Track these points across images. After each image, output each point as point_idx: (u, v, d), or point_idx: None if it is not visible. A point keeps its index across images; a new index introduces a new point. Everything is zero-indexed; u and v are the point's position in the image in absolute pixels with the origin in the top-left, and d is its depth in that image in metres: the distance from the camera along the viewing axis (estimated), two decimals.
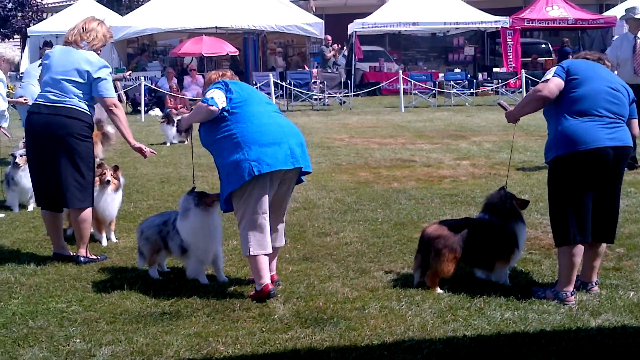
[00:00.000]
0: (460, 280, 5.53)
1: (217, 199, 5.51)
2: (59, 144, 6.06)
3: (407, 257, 6.24)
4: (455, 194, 8.79)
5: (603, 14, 29.12)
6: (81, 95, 6.11)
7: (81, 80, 6.09)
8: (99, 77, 6.10)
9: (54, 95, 6.08)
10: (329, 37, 24.98)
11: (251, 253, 5.17)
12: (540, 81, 5.24)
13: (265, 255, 5.21)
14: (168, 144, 14.28)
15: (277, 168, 5.12)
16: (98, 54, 6.32)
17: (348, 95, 21.47)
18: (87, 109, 6.15)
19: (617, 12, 27.54)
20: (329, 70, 23.65)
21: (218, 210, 5.60)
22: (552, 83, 5.07)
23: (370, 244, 6.71)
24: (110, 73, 6.28)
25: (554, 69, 5.17)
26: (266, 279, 5.18)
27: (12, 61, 7.82)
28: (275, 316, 4.90)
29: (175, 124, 14.08)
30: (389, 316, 4.89)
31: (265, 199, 5.19)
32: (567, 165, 5.02)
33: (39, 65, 6.55)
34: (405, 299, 5.20)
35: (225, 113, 5.17)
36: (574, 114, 5.01)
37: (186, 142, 13.98)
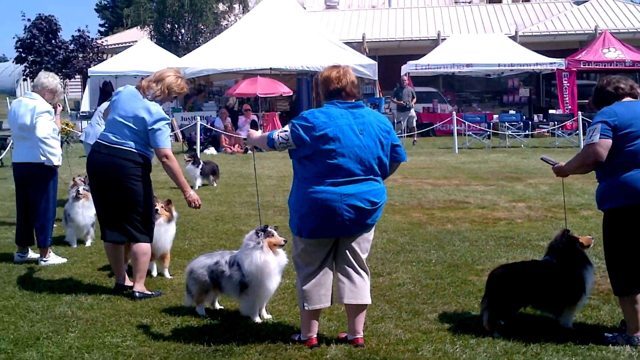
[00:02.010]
0: (516, 323, 5.43)
1: (279, 244, 5.57)
2: (116, 183, 6.26)
3: (460, 300, 6.16)
4: (510, 237, 8.66)
5: None
6: (138, 139, 6.31)
7: (137, 128, 6.27)
8: (153, 129, 6.26)
9: (114, 136, 6.31)
10: (405, 79, 23.91)
11: (305, 308, 5.04)
12: (587, 142, 5.04)
13: (319, 309, 5.09)
14: (196, 187, 13.26)
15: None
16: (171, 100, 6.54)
17: (401, 136, 21.47)
18: (144, 150, 6.34)
19: None
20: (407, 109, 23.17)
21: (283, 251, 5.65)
22: (602, 147, 4.92)
23: (424, 285, 6.64)
24: (168, 124, 6.42)
25: (598, 127, 4.96)
26: (312, 333, 5.10)
27: (55, 90, 7.92)
28: (327, 356, 4.87)
29: (201, 165, 13.61)
30: (442, 359, 4.82)
31: (320, 251, 5.06)
32: (628, 217, 4.92)
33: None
34: (459, 342, 5.12)
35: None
36: (635, 165, 4.92)
37: (215, 184, 13.79)
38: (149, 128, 6.25)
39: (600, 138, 4.94)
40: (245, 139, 20.64)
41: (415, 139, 22.92)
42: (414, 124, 23.19)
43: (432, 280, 6.84)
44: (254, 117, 22.51)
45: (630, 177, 4.90)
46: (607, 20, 36.11)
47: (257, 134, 5.45)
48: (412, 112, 23.21)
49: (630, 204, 4.89)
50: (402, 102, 22.95)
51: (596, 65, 25.95)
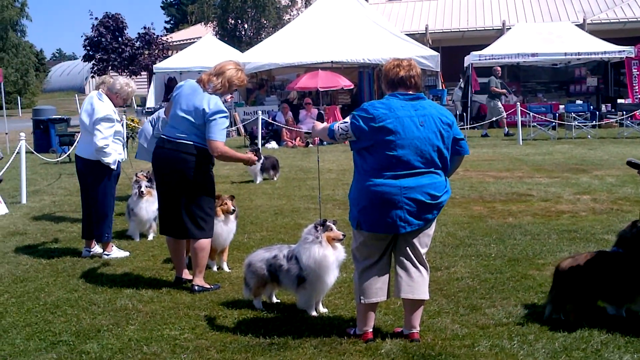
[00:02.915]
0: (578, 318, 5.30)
1: (338, 238, 5.55)
2: (179, 178, 6.32)
3: (520, 295, 6.05)
4: (574, 230, 8.46)
5: None
6: (199, 133, 6.35)
7: (198, 121, 6.33)
8: (210, 120, 6.28)
9: (176, 131, 6.38)
10: (499, 68, 24.07)
11: (361, 302, 5.02)
12: None
13: (375, 302, 5.06)
14: (257, 182, 13.51)
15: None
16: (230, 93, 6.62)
17: (463, 129, 21.20)
18: (206, 144, 6.36)
19: None
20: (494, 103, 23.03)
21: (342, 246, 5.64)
22: None
23: (482, 280, 6.54)
24: (225, 117, 6.40)
25: None
26: (368, 327, 5.07)
27: (127, 98, 8.04)
28: (382, 351, 4.85)
29: (262, 161, 13.57)
30: (499, 355, 4.74)
31: (379, 245, 5.02)
32: None
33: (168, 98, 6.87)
34: (517, 337, 5.03)
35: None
36: None
37: (275, 179, 13.81)
38: (208, 119, 6.28)
39: None
40: (306, 133, 20.79)
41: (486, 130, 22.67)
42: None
43: (492, 274, 6.73)
44: (320, 110, 22.60)
45: None
46: None
47: (322, 125, 5.46)
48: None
49: None
50: (505, 90, 23.22)
51: None
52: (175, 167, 6.34)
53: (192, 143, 6.33)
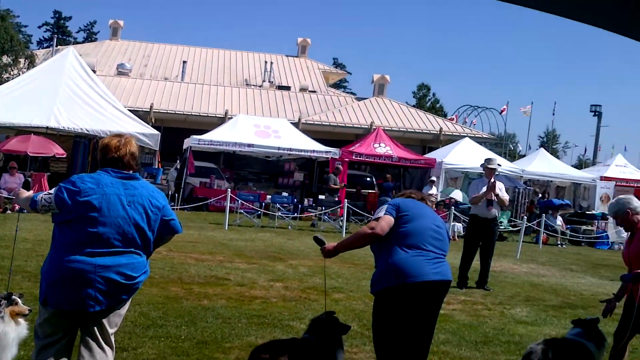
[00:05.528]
0: None
1: (23, 313, 5.25)
2: None
3: None
4: (263, 316, 8.81)
5: (424, 156, 31.35)
6: None
7: None
8: None
9: None
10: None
11: None
12: (372, 218, 5.45)
13: None
14: None
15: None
16: None
17: (174, 209, 21.30)
18: None
19: (437, 155, 29.77)
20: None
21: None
22: (384, 221, 5.28)
23: None
24: None
25: (385, 207, 5.41)
26: None
27: None
28: None
29: None
30: None
31: (64, 323, 4.82)
32: (395, 296, 5.16)
33: None
34: None
35: None
36: (404, 246, 5.22)
37: None
38: None
39: (385, 214, 5.33)
40: (6, 198, 19.52)
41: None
42: None
43: (178, 357, 6.78)
44: (27, 177, 21.39)
45: (400, 259, 5.22)
46: (382, 118, 39.17)
47: (27, 193, 5.19)
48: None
49: (399, 284, 5.15)
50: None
51: (367, 157, 27.83)
52: None
53: None
